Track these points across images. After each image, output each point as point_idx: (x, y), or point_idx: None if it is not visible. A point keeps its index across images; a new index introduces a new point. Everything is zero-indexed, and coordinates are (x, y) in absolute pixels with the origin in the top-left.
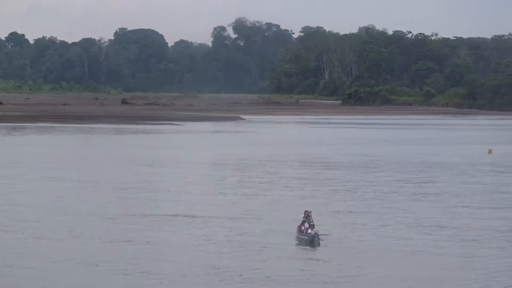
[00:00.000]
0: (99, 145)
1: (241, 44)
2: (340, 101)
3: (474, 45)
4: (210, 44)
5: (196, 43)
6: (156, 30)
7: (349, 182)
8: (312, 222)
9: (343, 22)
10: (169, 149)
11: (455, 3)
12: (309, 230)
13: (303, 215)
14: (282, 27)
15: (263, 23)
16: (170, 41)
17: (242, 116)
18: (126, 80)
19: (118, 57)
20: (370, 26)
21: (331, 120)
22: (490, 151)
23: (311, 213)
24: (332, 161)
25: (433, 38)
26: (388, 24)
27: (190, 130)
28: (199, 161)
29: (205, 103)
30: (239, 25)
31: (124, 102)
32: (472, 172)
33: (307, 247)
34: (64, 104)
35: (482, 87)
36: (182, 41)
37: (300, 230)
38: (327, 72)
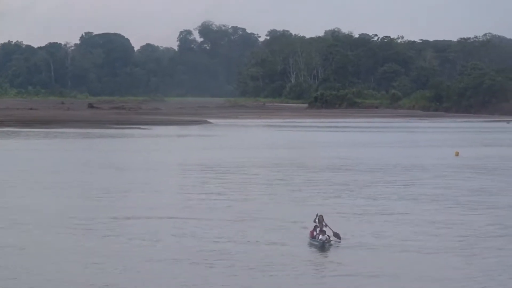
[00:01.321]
0: (67, 150)
1: (207, 47)
2: (306, 105)
3: (440, 48)
4: (176, 48)
5: (162, 47)
6: (122, 34)
7: (335, 184)
8: (324, 226)
9: (309, 25)
10: (136, 153)
11: (420, 6)
12: (320, 236)
13: (315, 220)
14: (248, 31)
15: (229, 27)
16: (136, 45)
17: (209, 120)
18: (92, 84)
19: (84, 61)
20: (336, 30)
21: (298, 124)
22: (457, 154)
23: (321, 217)
24: (308, 164)
25: (399, 41)
26: (354, 27)
27: (157, 134)
28: (167, 165)
29: (172, 107)
30: (205, 29)
31: (91, 106)
32: (450, 174)
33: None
34: (31, 109)
35: (448, 89)
36: (148, 45)
37: (312, 236)
38: (294, 75)
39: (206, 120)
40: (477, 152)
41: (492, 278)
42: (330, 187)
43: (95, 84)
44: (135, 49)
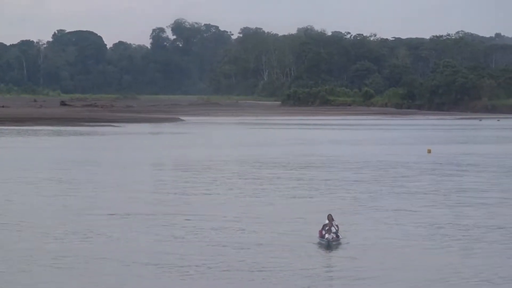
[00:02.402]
0: (40, 147)
1: (180, 45)
2: (279, 102)
3: (413, 46)
4: (149, 45)
5: (134, 44)
6: (95, 32)
7: (321, 181)
8: (333, 226)
9: (282, 23)
10: (108, 151)
11: (393, 4)
12: (327, 235)
13: (327, 221)
14: (221, 28)
15: (202, 24)
16: (109, 42)
17: (182, 118)
18: (64, 82)
19: (56, 59)
20: (308, 27)
21: (271, 121)
22: (429, 151)
23: (331, 216)
24: (285, 162)
25: (371, 38)
26: (326, 25)
27: (130, 131)
28: (139, 162)
29: (144, 105)
30: (178, 27)
31: (63, 104)
32: (425, 171)
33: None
34: (3, 106)
35: (421, 87)
36: (120, 42)
37: (321, 235)
38: (266, 73)
39: (179, 118)
40: (449, 149)
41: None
42: (314, 184)
43: (67, 81)
44: (108, 46)
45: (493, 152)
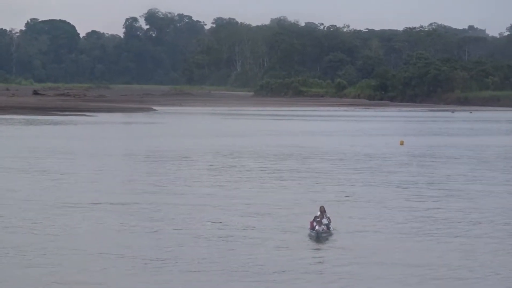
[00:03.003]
0: (12, 136)
1: (153, 35)
2: (252, 93)
3: (386, 37)
4: (122, 35)
5: (107, 34)
6: (68, 21)
7: (303, 173)
8: (325, 218)
9: (255, 13)
10: (81, 140)
11: None
12: (317, 227)
13: (319, 212)
14: (194, 18)
15: (175, 14)
16: (82, 31)
17: (154, 107)
18: (37, 70)
19: (29, 47)
20: (282, 18)
21: (244, 112)
22: (402, 143)
23: (323, 207)
24: (261, 152)
25: (345, 30)
26: (300, 16)
27: (102, 121)
28: (112, 152)
29: (117, 94)
30: (151, 16)
31: (36, 93)
32: (399, 163)
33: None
34: None
35: (394, 79)
36: (93, 31)
37: (312, 227)
38: (239, 63)
39: (152, 108)
40: (422, 141)
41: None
42: (293, 175)
43: (40, 70)
44: (81, 36)
45: (466, 144)
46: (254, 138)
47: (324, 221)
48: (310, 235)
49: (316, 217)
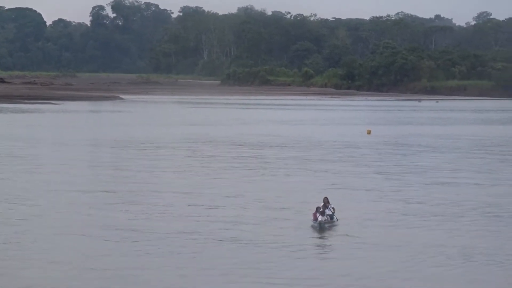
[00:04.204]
0: None
1: (120, 23)
2: (219, 82)
3: (353, 26)
4: (88, 23)
5: (74, 22)
6: (34, 9)
7: (285, 161)
8: (329, 208)
9: (222, 2)
10: (46, 129)
11: None
12: (319, 217)
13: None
14: (161, 7)
15: (142, 3)
16: (49, 20)
17: (121, 96)
18: (3, 59)
19: None
20: (249, 7)
21: (211, 101)
22: (369, 132)
23: (326, 198)
24: (232, 140)
25: (312, 19)
26: (267, 4)
27: (69, 109)
28: (78, 140)
29: (84, 83)
30: (118, 5)
31: (2, 81)
32: (368, 152)
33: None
34: None
35: (361, 68)
36: (60, 20)
37: (314, 218)
38: (206, 52)
39: (118, 96)
40: (392, 130)
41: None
42: (276, 163)
43: (6, 59)
44: (47, 24)
45: (437, 133)
46: (224, 127)
47: (327, 211)
48: (313, 226)
49: (318, 207)
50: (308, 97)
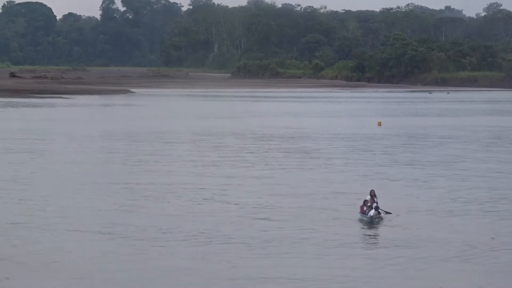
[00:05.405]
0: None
1: (130, 17)
2: (229, 74)
3: (363, 18)
4: (98, 17)
5: (84, 16)
6: (44, 3)
7: (301, 153)
8: (376, 202)
9: None
10: (58, 122)
11: None
12: (371, 212)
13: (368, 195)
14: (171, 0)
15: None
16: (59, 14)
17: (132, 90)
18: (14, 53)
19: (6, 30)
20: None
21: (222, 93)
22: (379, 124)
23: (373, 191)
24: (250, 133)
25: (322, 11)
26: None
27: (80, 103)
28: (91, 133)
29: (94, 76)
30: None
31: (13, 75)
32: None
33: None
34: None
35: (371, 59)
36: (70, 14)
37: (362, 211)
38: (216, 45)
39: (129, 90)
40: (409, 122)
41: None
42: (303, 156)
43: (17, 53)
44: (58, 18)
45: (452, 125)
46: (237, 120)
47: (374, 205)
48: (361, 219)
49: (366, 201)
50: (319, 89)
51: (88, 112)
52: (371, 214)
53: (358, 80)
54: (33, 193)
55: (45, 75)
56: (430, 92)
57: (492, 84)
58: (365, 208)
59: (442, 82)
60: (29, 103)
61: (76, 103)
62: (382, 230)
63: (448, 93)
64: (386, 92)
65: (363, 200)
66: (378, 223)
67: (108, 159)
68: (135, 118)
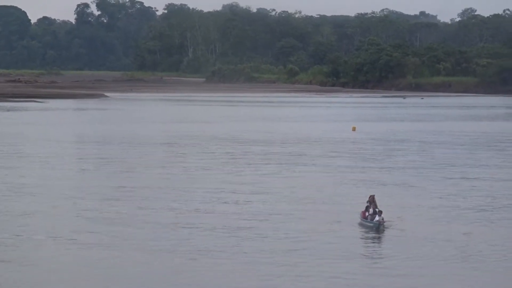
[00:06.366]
0: None
1: (105, 21)
2: (204, 79)
3: (338, 23)
4: (73, 21)
5: (59, 20)
6: (19, 7)
7: (294, 157)
8: (377, 207)
9: None
10: (31, 126)
11: None
12: (376, 217)
13: (367, 200)
14: (146, 4)
15: (127, 0)
16: (33, 18)
17: (106, 94)
18: None
19: None
20: (233, 4)
21: (197, 98)
22: (354, 129)
23: (373, 197)
24: (232, 137)
25: (296, 16)
26: (251, 1)
27: (54, 107)
28: (63, 138)
29: (69, 80)
30: (103, 2)
31: None
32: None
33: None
34: None
35: (346, 64)
36: (45, 18)
37: (364, 216)
38: (191, 49)
39: (103, 94)
40: (375, 127)
41: None
42: (262, 158)
43: None
44: (32, 22)
45: (429, 130)
46: (214, 124)
47: (376, 210)
48: (362, 224)
49: (367, 206)
50: (294, 94)
51: (62, 116)
52: (379, 219)
53: (333, 85)
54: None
55: (19, 79)
56: (404, 97)
57: (467, 89)
58: (367, 213)
59: (417, 87)
60: (2, 106)
61: (50, 107)
62: (382, 233)
63: (422, 98)
64: (361, 97)
65: (365, 206)
66: (384, 229)
67: (82, 164)
68: (110, 122)
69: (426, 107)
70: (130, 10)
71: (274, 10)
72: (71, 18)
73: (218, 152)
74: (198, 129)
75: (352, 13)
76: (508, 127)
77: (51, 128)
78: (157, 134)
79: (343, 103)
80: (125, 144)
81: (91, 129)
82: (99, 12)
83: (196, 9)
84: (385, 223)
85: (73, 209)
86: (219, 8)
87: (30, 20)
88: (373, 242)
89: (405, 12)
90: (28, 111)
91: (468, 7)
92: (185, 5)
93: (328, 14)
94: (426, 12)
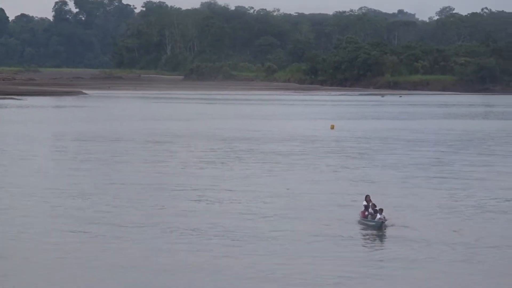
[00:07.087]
0: None
1: (83, 18)
2: (182, 76)
3: (316, 21)
4: (51, 18)
5: (37, 17)
6: None
7: (261, 154)
8: (376, 206)
9: None
10: (7, 124)
11: None
12: (378, 216)
13: (364, 201)
14: (124, 2)
15: None
16: (11, 15)
17: (84, 91)
18: None
19: None
20: (212, 2)
21: (175, 96)
22: (332, 127)
23: (369, 196)
24: (212, 135)
25: (275, 14)
26: None
27: (32, 105)
28: (40, 135)
29: (47, 78)
30: (81, 0)
31: None
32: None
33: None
34: None
35: (324, 63)
36: (23, 15)
37: (364, 216)
38: (169, 47)
39: (81, 91)
40: (357, 125)
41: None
42: (281, 159)
43: None
44: (10, 19)
45: (412, 128)
46: (194, 122)
47: (371, 211)
48: (363, 224)
49: (366, 206)
50: (272, 92)
51: (40, 113)
52: (381, 218)
53: (311, 83)
54: None
55: None
56: (382, 95)
57: (445, 87)
58: (366, 213)
59: (395, 86)
60: None
61: (28, 104)
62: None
63: (401, 96)
64: (339, 95)
65: (363, 206)
66: (386, 228)
67: (60, 161)
68: (90, 120)
69: (404, 105)
70: (108, 8)
71: (252, 8)
72: (49, 15)
73: (199, 150)
74: (177, 127)
75: (330, 12)
76: (489, 125)
77: (29, 126)
78: (137, 131)
79: (322, 101)
80: (104, 142)
81: (70, 127)
82: (77, 10)
83: (175, 6)
84: (386, 221)
85: (47, 206)
86: (197, 6)
87: (8, 17)
88: (372, 241)
89: (383, 10)
90: (6, 108)
91: (446, 5)
92: (163, 2)
93: (307, 12)
94: (404, 11)
